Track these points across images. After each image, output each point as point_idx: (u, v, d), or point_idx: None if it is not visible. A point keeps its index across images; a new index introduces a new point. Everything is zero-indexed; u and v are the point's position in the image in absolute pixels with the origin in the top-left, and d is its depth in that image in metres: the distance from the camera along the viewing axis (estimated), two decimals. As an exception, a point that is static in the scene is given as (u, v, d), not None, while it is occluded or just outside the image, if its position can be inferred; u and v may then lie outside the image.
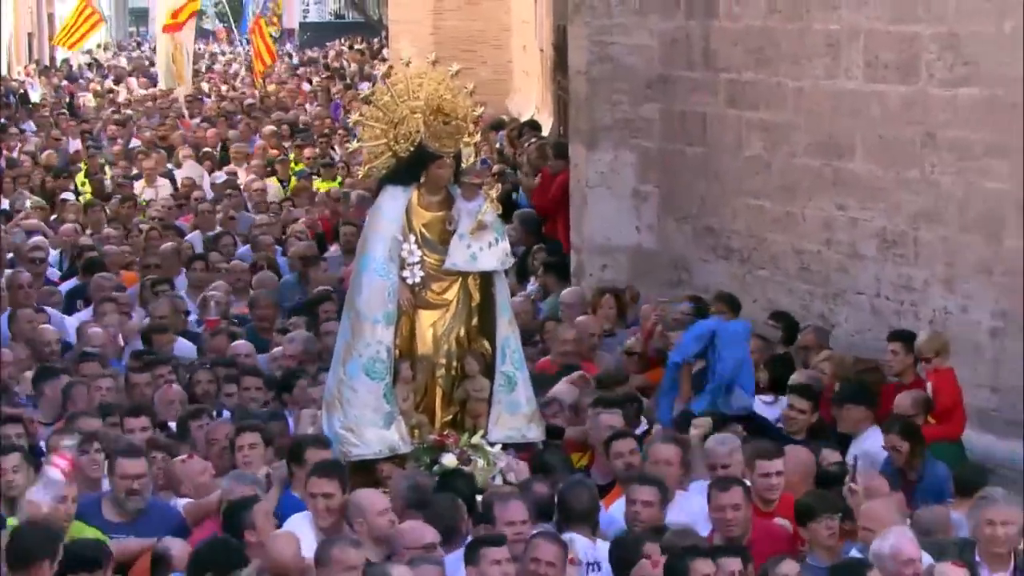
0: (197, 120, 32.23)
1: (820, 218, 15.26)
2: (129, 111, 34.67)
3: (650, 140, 17.27)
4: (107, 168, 25.56)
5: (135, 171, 24.95)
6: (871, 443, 11.82)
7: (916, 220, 14.08)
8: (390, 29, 41.30)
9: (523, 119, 27.84)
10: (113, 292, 15.77)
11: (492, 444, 10.99)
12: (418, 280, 10.97)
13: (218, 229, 19.80)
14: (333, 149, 27.54)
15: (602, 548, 9.63)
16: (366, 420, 10.71)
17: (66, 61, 52.40)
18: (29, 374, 13.16)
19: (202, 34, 56.79)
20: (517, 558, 9.02)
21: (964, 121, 13.45)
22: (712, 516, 9.90)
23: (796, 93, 15.45)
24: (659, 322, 14.19)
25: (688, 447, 10.87)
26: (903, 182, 14.18)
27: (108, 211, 21.07)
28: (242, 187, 23.40)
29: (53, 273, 18.00)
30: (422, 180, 11.03)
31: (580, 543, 9.59)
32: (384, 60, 42.55)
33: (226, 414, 12.26)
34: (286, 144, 28.24)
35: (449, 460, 10.73)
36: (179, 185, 23.78)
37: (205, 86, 39.76)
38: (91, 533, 9.41)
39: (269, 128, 29.35)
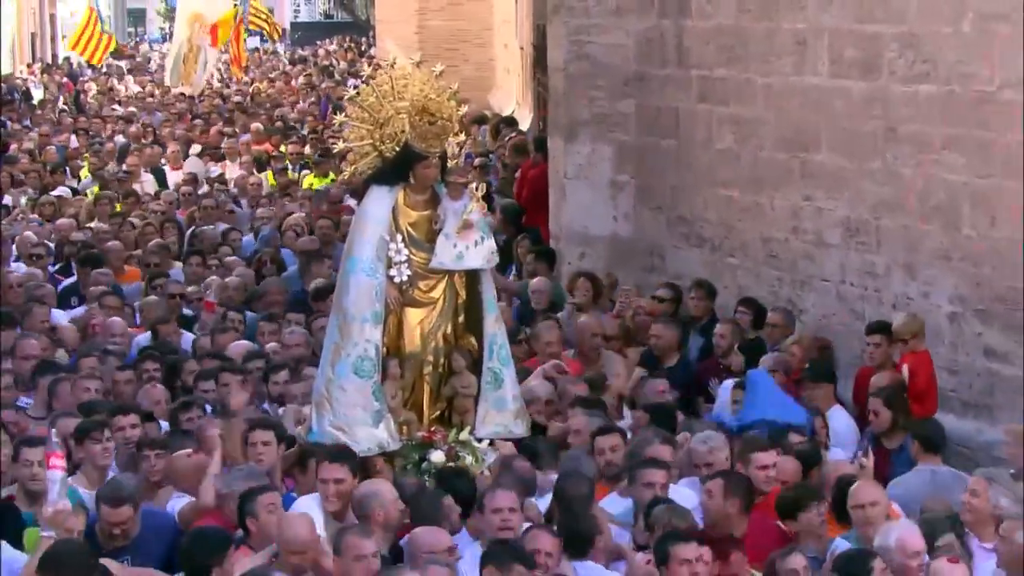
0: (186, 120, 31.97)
1: (787, 208, 15.28)
2: (132, 108, 34.50)
3: (626, 134, 17.28)
4: (111, 164, 25.25)
5: (125, 167, 24.60)
6: (837, 421, 11.88)
7: (878, 210, 14.11)
8: (377, 28, 41.25)
9: (504, 114, 27.85)
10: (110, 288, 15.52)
11: (479, 440, 10.75)
12: (405, 278, 10.69)
13: (224, 226, 19.30)
14: (325, 145, 27.20)
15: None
16: (356, 419, 10.45)
17: (67, 59, 52.27)
18: None
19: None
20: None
21: (923, 116, 13.47)
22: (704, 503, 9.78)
23: (764, 89, 15.46)
24: (628, 308, 14.27)
25: (677, 446, 10.67)
26: (866, 173, 14.20)
27: (115, 206, 20.75)
28: (232, 182, 23.15)
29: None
30: (409, 180, 10.75)
31: None
32: (371, 58, 42.49)
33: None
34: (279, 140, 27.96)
35: (438, 457, 10.49)
36: (181, 180, 23.28)
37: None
38: None
39: (256, 125, 28.95)
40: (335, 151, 12.07)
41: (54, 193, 22.25)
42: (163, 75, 39.80)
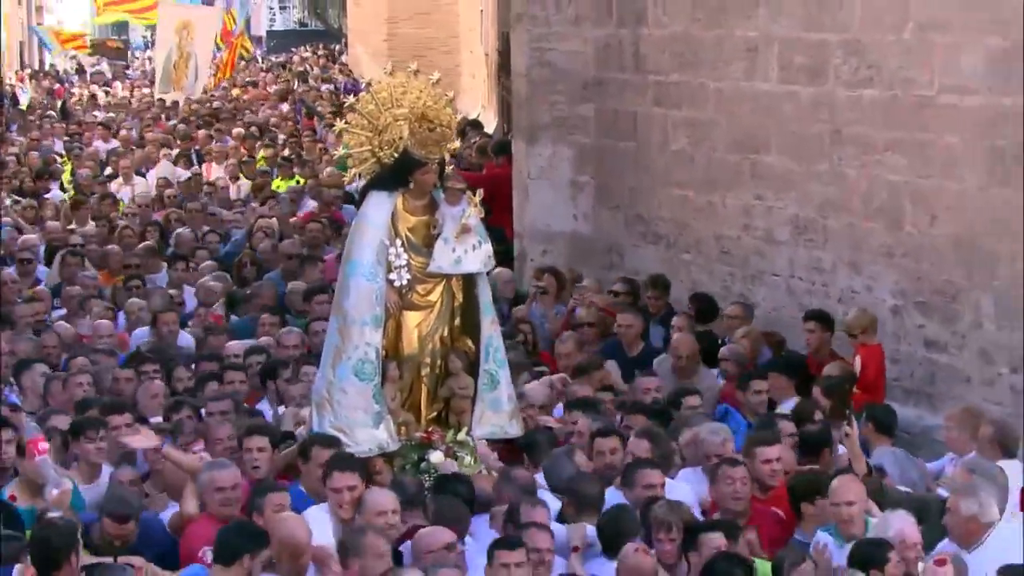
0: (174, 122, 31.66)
1: (739, 207, 15.29)
2: (111, 113, 34.21)
3: (585, 136, 17.26)
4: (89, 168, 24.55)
5: (110, 170, 24.17)
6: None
7: (825, 208, 14.13)
8: (348, 36, 41.19)
9: (471, 117, 27.83)
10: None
11: (476, 440, 10.47)
12: (405, 282, 10.36)
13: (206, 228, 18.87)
14: (301, 148, 26.94)
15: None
16: (356, 420, 10.14)
17: (53, 66, 52.05)
18: None
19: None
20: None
21: (867, 119, 13.49)
22: (720, 491, 9.55)
23: (717, 93, 15.47)
24: (582, 303, 14.25)
25: (664, 441, 10.41)
26: (813, 174, 14.22)
27: (92, 208, 20.17)
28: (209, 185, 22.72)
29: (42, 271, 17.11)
30: (408, 186, 10.41)
31: (590, 531, 9.11)
32: (344, 64, 42.40)
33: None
34: (256, 145, 27.48)
35: (436, 457, 10.20)
36: (158, 183, 22.85)
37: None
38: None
39: (238, 130, 28.62)
40: (338, 155, 11.66)
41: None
42: (145, 81, 39.52)
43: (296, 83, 40.74)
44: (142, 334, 13.99)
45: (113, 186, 22.87)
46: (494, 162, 19.75)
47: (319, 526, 8.94)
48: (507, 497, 9.42)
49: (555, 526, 9.06)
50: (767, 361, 12.80)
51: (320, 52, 50.41)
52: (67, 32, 41.40)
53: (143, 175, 24.01)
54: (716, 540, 8.59)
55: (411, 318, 10.49)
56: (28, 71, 50.56)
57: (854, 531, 8.92)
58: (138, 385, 11.97)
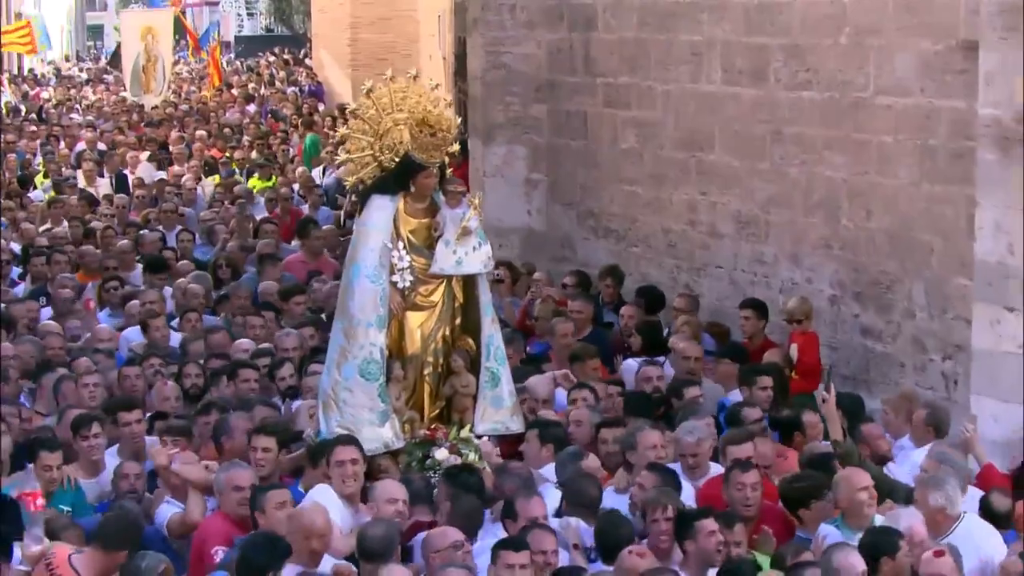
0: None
1: (685, 202, 15.28)
2: (90, 116, 33.82)
3: (539, 135, 17.22)
4: (63, 170, 24.08)
5: (83, 172, 23.38)
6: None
7: (767, 204, 14.13)
8: (313, 41, 40.99)
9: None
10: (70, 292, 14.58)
11: (479, 437, 10.19)
12: (408, 284, 10.09)
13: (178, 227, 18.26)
14: (270, 149, 26.64)
15: None
16: (362, 419, 9.87)
17: (32, 71, 51.60)
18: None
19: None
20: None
21: (806, 119, 13.49)
22: (732, 495, 9.07)
23: (664, 95, 15.45)
24: (539, 296, 14.17)
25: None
26: (755, 171, 14.22)
27: (68, 209, 19.64)
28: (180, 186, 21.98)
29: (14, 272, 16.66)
30: (409, 189, 10.14)
31: (584, 529, 8.83)
32: (309, 68, 42.20)
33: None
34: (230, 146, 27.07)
35: (441, 454, 9.94)
36: (134, 184, 22.39)
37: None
38: None
39: (201, 132, 27.99)
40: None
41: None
42: (119, 88, 39.15)
43: (263, 86, 40.51)
44: (132, 335, 13.48)
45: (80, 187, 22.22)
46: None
47: (327, 504, 8.71)
48: (506, 490, 9.18)
49: (551, 521, 8.81)
50: (718, 348, 12.73)
51: (286, 56, 50.16)
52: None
53: (124, 176, 23.53)
54: (709, 526, 8.34)
55: (414, 318, 10.24)
56: (7, 75, 50.11)
57: (863, 521, 8.61)
58: (145, 383, 11.58)
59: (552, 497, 9.27)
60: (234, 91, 37.83)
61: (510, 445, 10.42)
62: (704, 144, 14.91)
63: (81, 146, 27.08)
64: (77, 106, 37.24)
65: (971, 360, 11.15)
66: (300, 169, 22.83)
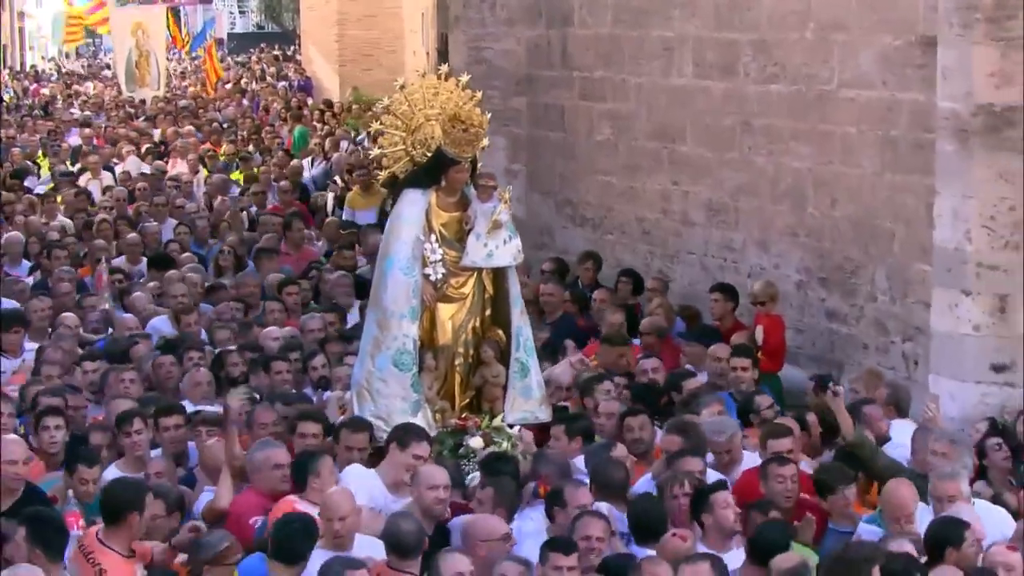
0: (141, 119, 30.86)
1: (658, 191, 15.26)
2: (88, 112, 33.59)
3: (519, 128, 17.19)
4: (67, 163, 23.73)
5: (80, 165, 22.99)
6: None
7: (736, 193, 14.11)
8: (302, 38, 40.91)
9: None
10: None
11: (510, 426, 9.92)
12: (440, 276, 9.85)
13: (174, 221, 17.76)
14: (262, 142, 26.40)
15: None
16: (396, 408, 9.63)
17: (33, 67, 51.42)
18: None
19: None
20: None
21: (774, 111, 13.47)
22: (771, 487, 8.70)
23: (637, 88, 15.42)
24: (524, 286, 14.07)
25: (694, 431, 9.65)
26: (725, 162, 14.20)
27: (62, 202, 19.21)
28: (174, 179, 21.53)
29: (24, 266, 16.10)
30: (441, 183, 9.89)
31: (616, 515, 8.47)
32: (298, 63, 42.11)
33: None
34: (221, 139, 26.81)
35: (476, 442, 9.67)
36: (122, 177, 21.70)
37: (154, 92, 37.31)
38: None
39: (188, 128, 27.49)
40: (372, 158, 10.72)
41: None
42: (115, 81, 38.92)
43: (254, 81, 40.41)
44: (159, 324, 13.06)
45: (81, 181, 21.73)
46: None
47: (360, 484, 8.52)
48: (542, 475, 8.96)
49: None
50: (690, 331, 12.71)
51: (276, 52, 50.07)
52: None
53: (111, 169, 23.13)
54: (725, 497, 8.17)
55: (445, 310, 10.02)
56: (8, 71, 49.90)
57: (906, 529, 8.20)
58: (180, 373, 11.22)
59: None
60: (227, 86, 37.71)
61: (538, 434, 10.13)
62: (676, 135, 14.89)
63: (76, 140, 26.74)
64: (76, 101, 37.05)
65: (930, 342, 11.15)
66: (294, 162, 22.65)
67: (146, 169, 22.94)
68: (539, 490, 8.78)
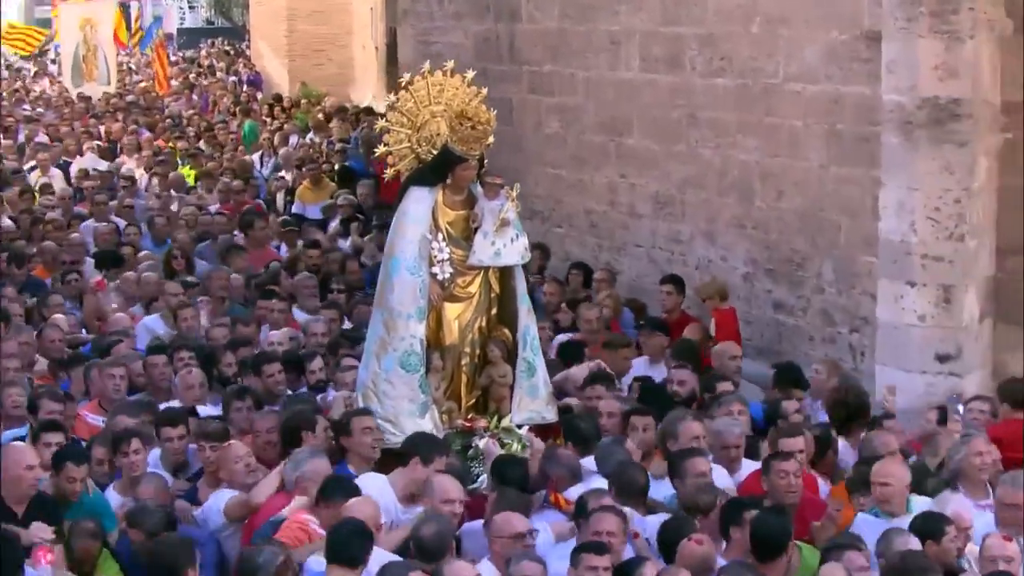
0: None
1: (605, 184, 15.21)
2: (40, 108, 33.10)
3: (467, 122, 17.05)
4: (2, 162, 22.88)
5: (31, 163, 22.32)
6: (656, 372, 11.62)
7: (683, 185, 14.07)
8: (251, 33, 40.60)
9: (363, 105, 27.56)
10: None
11: (519, 427, 9.66)
12: (448, 276, 9.57)
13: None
14: (216, 140, 26.06)
15: (651, 524, 8.26)
16: (403, 410, 9.38)
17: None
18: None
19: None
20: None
21: (720, 104, 13.44)
22: (774, 482, 8.46)
23: (585, 82, 15.36)
24: None
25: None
26: (672, 154, 14.15)
27: (5, 201, 18.52)
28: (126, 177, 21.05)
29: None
30: (447, 181, 9.63)
31: (638, 519, 8.22)
32: (247, 58, 41.79)
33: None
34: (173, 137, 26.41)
35: (485, 444, 9.43)
36: (77, 175, 21.32)
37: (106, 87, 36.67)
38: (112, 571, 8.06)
39: (117, 125, 26.92)
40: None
41: None
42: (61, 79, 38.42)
43: (206, 76, 40.06)
44: (151, 323, 12.75)
45: (31, 178, 21.22)
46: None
47: (376, 490, 8.29)
48: (552, 478, 8.68)
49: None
50: (645, 321, 12.63)
51: (225, 47, 49.68)
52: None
53: (66, 166, 22.65)
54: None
55: (451, 309, 9.75)
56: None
57: (895, 510, 8.16)
58: (172, 373, 10.86)
59: (598, 485, 8.67)
60: (174, 82, 37.32)
61: (544, 434, 9.88)
62: (623, 129, 14.83)
63: (22, 137, 26.29)
64: (26, 98, 36.56)
65: (876, 332, 11.14)
66: (244, 158, 22.40)
67: (103, 166, 22.64)
68: (550, 497, 8.53)
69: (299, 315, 13.06)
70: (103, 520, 8.30)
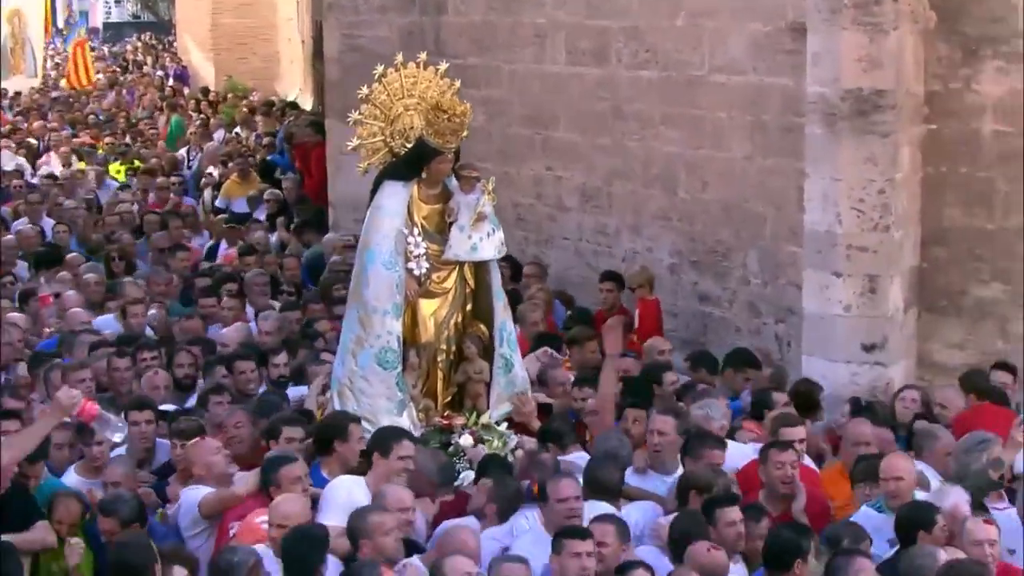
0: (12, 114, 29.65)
1: (532, 177, 15.13)
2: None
3: (393, 115, 16.93)
4: None
5: None
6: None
7: (609, 178, 14.02)
8: (177, 27, 40.24)
9: (289, 99, 27.36)
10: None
11: (498, 423, 9.51)
12: (424, 271, 9.38)
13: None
14: (142, 136, 25.63)
15: (631, 513, 8.13)
16: (380, 408, 9.17)
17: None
18: None
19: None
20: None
21: (645, 97, 13.39)
22: (770, 472, 8.36)
23: (511, 75, 15.26)
24: None
25: (685, 417, 9.22)
26: (598, 147, 14.10)
27: None
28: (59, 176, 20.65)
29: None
30: (423, 175, 9.42)
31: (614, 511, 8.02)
32: (174, 52, 41.39)
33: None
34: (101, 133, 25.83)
35: (466, 440, 9.26)
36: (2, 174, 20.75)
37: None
38: None
39: (44, 123, 26.24)
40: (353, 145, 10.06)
41: None
42: None
43: (132, 70, 39.61)
44: (103, 323, 12.35)
45: None
46: (306, 141, 19.27)
47: (348, 495, 8.02)
48: (534, 479, 8.43)
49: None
50: (568, 316, 12.53)
51: (150, 41, 49.18)
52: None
53: None
54: (732, 514, 7.73)
55: (427, 306, 9.52)
56: None
57: (902, 503, 8.02)
58: (134, 375, 10.57)
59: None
60: (99, 76, 36.77)
61: (521, 429, 9.69)
62: (549, 121, 14.76)
63: None
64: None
65: (802, 323, 11.13)
66: (170, 154, 22.06)
67: (21, 161, 22.16)
68: (533, 489, 8.33)
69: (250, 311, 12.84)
70: None
